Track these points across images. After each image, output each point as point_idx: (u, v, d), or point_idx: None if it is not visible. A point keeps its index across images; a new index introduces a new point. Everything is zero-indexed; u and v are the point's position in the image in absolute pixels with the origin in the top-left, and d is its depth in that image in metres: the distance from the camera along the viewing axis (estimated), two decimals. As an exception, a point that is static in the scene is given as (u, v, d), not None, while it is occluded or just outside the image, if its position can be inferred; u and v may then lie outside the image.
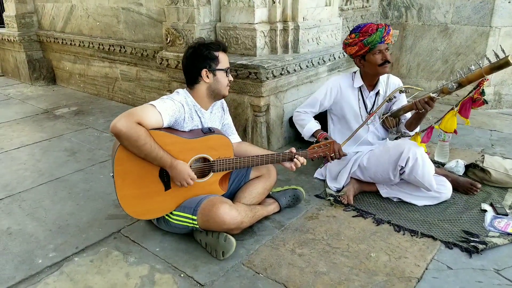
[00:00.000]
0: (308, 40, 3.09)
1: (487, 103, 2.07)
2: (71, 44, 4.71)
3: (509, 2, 3.54)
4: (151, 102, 1.80)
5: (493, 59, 1.89)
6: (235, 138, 2.19)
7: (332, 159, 2.15)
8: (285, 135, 3.09)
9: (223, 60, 1.94)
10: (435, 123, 2.19)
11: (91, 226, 2.09)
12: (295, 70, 2.92)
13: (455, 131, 2.16)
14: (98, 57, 4.48)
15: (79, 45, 4.59)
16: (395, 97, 2.32)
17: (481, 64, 1.93)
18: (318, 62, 3.11)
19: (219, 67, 1.92)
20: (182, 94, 1.93)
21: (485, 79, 1.97)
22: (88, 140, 3.34)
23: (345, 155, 2.21)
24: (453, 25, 3.86)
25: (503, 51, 1.87)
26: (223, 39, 3.09)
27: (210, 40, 1.96)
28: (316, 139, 2.33)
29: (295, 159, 2.01)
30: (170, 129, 1.84)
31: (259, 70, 2.66)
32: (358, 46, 2.17)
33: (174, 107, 1.82)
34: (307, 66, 3.01)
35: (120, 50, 4.11)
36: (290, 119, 3.08)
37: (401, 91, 2.31)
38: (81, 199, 2.37)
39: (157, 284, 1.67)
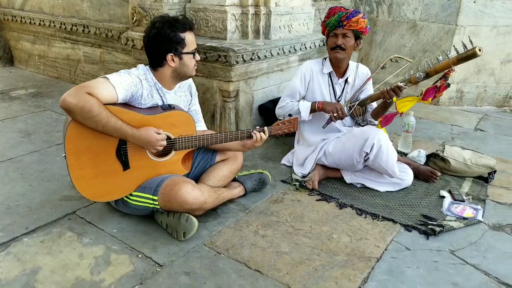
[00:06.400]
0: (280, 27, 3.07)
1: (449, 86, 2.09)
2: (30, 23, 4.44)
3: (474, 1, 3.68)
4: (104, 75, 1.69)
5: (461, 50, 1.89)
6: (201, 126, 2.10)
7: (336, 118, 2.20)
8: (254, 122, 3.06)
9: (190, 41, 1.77)
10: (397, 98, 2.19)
11: (44, 207, 1.97)
12: (266, 57, 2.89)
13: (401, 113, 2.21)
14: (60, 38, 4.24)
15: (39, 24, 4.33)
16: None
17: (449, 55, 1.95)
18: (289, 51, 3.10)
19: (185, 50, 1.76)
20: (142, 70, 1.80)
21: (452, 70, 2.00)
22: (45, 122, 3.15)
23: (347, 115, 2.26)
24: (422, 22, 3.97)
25: (471, 42, 1.88)
26: (193, 21, 3.00)
27: (175, 17, 1.77)
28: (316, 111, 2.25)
29: (255, 132, 1.90)
30: (126, 105, 1.73)
31: (229, 53, 2.60)
32: (322, 26, 2.27)
33: (130, 80, 1.70)
34: (278, 54, 2.99)
35: (83, 30, 3.91)
36: (260, 106, 3.05)
37: (392, 60, 2.28)
38: (34, 180, 2.23)
39: (112, 264, 1.59)
